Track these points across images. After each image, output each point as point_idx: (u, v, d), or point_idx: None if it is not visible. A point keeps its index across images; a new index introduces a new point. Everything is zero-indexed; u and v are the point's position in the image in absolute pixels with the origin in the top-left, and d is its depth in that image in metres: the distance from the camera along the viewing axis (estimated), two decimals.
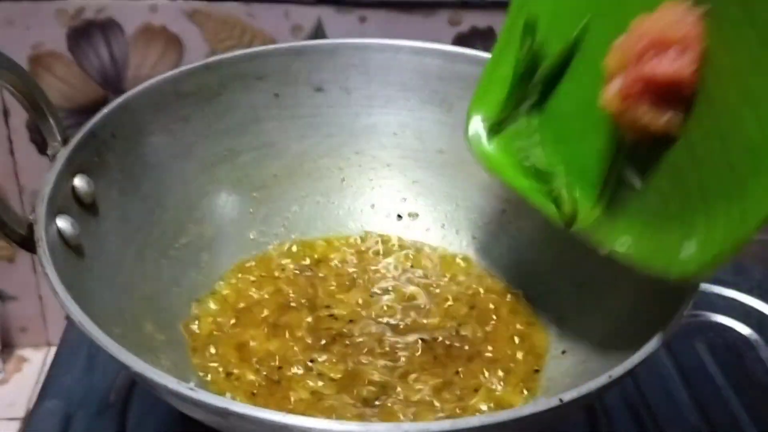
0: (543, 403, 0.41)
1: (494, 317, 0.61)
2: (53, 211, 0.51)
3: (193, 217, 0.63)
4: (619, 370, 0.44)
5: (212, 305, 0.61)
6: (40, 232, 0.48)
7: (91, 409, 0.62)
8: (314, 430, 0.40)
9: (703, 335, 0.71)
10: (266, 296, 0.62)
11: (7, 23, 0.77)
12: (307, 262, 0.66)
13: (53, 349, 0.91)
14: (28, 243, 0.49)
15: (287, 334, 0.59)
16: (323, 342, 0.59)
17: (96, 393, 0.63)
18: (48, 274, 0.46)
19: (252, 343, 0.58)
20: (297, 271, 0.65)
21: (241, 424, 0.41)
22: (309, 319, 0.60)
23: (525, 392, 0.55)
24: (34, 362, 0.91)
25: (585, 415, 0.62)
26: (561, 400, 0.41)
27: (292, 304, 0.62)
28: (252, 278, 0.64)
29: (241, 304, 0.61)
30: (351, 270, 0.66)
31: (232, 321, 0.60)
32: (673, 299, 0.49)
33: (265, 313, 0.61)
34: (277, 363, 0.57)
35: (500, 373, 0.56)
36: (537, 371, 0.57)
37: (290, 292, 0.63)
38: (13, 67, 0.52)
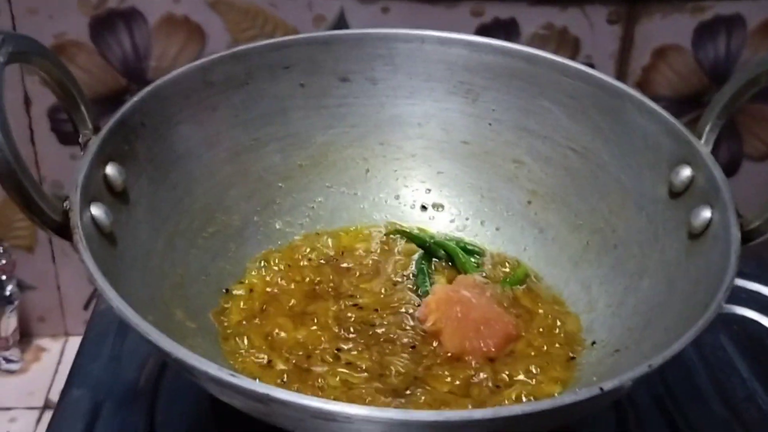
0: (584, 392, 0.41)
1: (522, 306, 0.61)
2: (87, 199, 0.51)
3: (220, 207, 0.63)
4: (658, 360, 0.44)
5: (241, 294, 0.61)
6: (75, 220, 0.48)
7: (120, 397, 0.62)
8: (355, 417, 0.40)
9: (728, 328, 0.71)
10: (293, 286, 0.62)
11: (29, 12, 0.77)
12: (332, 252, 0.66)
13: (71, 339, 0.92)
14: (63, 230, 0.49)
15: (314, 324, 0.59)
16: (349, 331, 0.59)
17: (123, 382, 0.63)
18: (85, 261, 0.46)
19: (280, 333, 0.58)
20: (322, 261, 0.65)
21: (282, 410, 0.41)
22: (334, 308, 0.60)
23: (559, 383, 0.55)
24: (53, 352, 0.91)
25: (613, 408, 0.62)
26: (602, 389, 0.41)
27: (318, 293, 0.62)
28: (279, 268, 0.64)
29: (269, 294, 0.62)
30: (375, 259, 0.65)
31: (261, 310, 0.60)
32: (704, 293, 0.49)
33: (292, 302, 0.61)
34: (305, 352, 0.57)
35: (533, 365, 0.56)
36: (573, 358, 0.57)
37: (316, 281, 0.63)
38: (46, 54, 0.52)
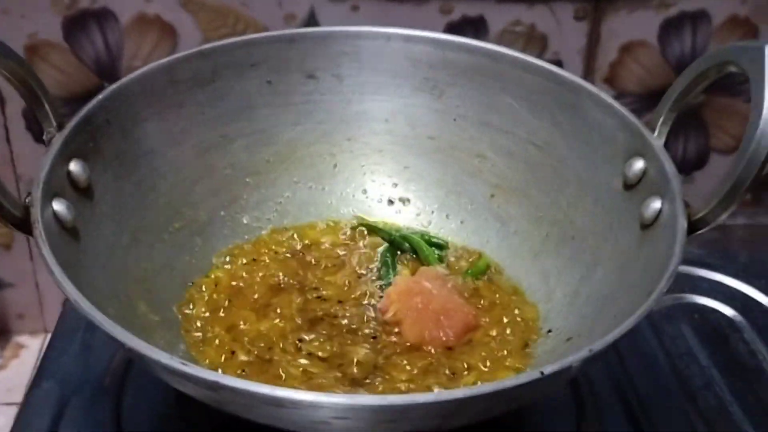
0: (525, 375, 0.43)
1: (483, 296, 0.63)
2: (49, 195, 0.52)
3: (186, 202, 0.64)
4: (599, 345, 0.45)
5: (205, 288, 0.62)
6: (36, 215, 0.50)
7: (87, 393, 0.63)
8: (303, 402, 0.41)
9: (689, 317, 0.72)
10: (258, 279, 0.64)
11: (2, 12, 0.78)
12: (299, 246, 0.67)
13: (50, 336, 0.93)
14: (24, 225, 0.50)
15: (277, 316, 0.60)
16: (312, 323, 0.60)
17: (91, 377, 0.64)
18: (44, 254, 0.48)
19: (243, 325, 0.59)
20: (288, 255, 0.66)
21: (233, 398, 0.42)
22: (298, 301, 0.62)
23: (513, 371, 0.56)
24: (32, 349, 0.92)
25: (572, 396, 0.63)
26: (542, 372, 0.43)
27: (283, 286, 0.63)
28: (244, 261, 0.65)
29: (233, 287, 0.63)
30: (341, 253, 0.67)
31: (225, 303, 0.61)
32: (650, 281, 0.50)
33: (257, 295, 0.62)
34: (267, 343, 0.58)
35: (490, 353, 0.58)
36: (527, 346, 0.58)
37: (281, 274, 0.64)
38: (9, 53, 0.53)
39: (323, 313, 0.61)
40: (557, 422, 0.62)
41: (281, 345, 0.58)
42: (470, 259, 0.66)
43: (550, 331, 0.59)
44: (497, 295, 0.63)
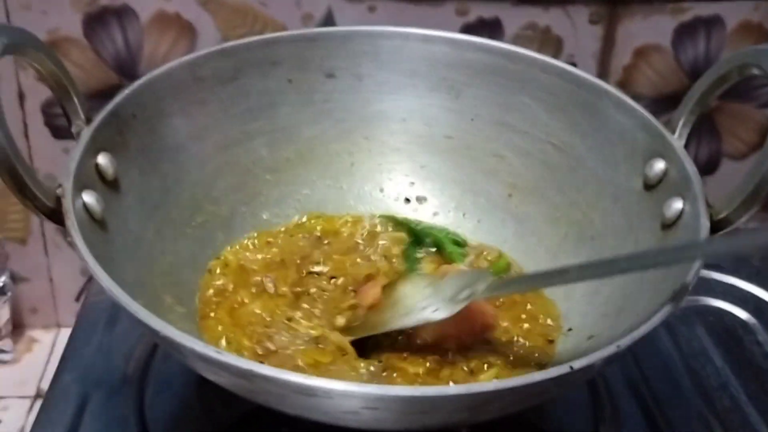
0: (554, 370, 0.43)
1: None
2: (79, 186, 0.52)
3: (209, 197, 0.65)
4: (626, 341, 0.45)
5: (218, 270, 0.63)
6: (68, 205, 0.50)
7: (108, 386, 0.63)
8: (335, 392, 0.41)
9: (704, 319, 0.73)
10: (259, 257, 0.64)
11: (23, 8, 0.79)
12: (318, 233, 0.68)
13: (63, 330, 0.94)
14: (55, 215, 0.51)
15: (271, 292, 0.61)
16: (296, 296, 0.61)
17: (113, 371, 0.65)
18: (77, 243, 0.48)
19: (240, 307, 0.60)
20: (303, 237, 0.67)
21: (266, 387, 0.43)
22: (294, 276, 0.62)
23: (537, 368, 0.57)
24: (44, 343, 0.93)
25: (590, 397, 0.64)
26: (571, 367, 0.43)
27: (284, 261, 0.64)
28: (256, 243, 0.66)
29: (240, 267, 0.64)
30: (359, 241, 0.68)
31: (230, 286, 0.62)
32: (673, 280, 0.51)
33: (257, 275, 0.63)
34: (262, 325, 0.59)
35: (510, 352, 0.58)
36: (551, 342, 0.59)
37: (288, 252, 0.65)
38: (39, 46, 0.54)
39: (316, 288, 0.62)
40: (575, 423, 0.62)
41: (274, 325, 0.58)
42: (489, 258, 0.67)
43: (570, 329, 0.59)
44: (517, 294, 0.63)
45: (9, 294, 0.89)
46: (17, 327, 0.93)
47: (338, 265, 0.64)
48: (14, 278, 0.90)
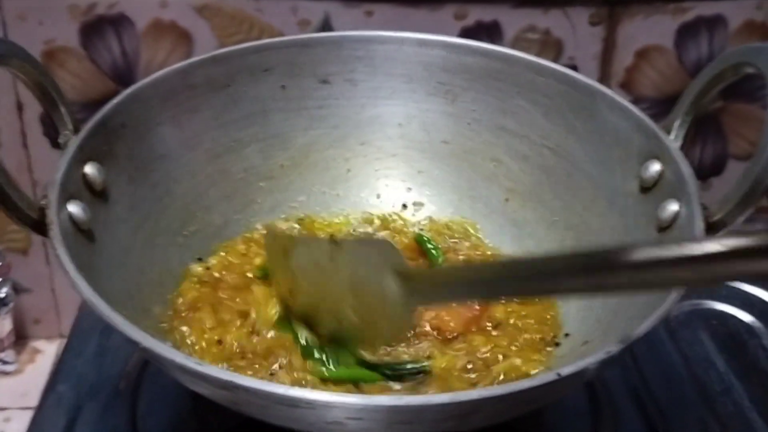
0: (540, 378, 0.42)
1: None
2: (65, 197, 0.52)
3: (200, 206, 0.64)
4: (616, 347, 0.44)
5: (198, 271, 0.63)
6: (52, 216, 0.50)
7: (102, 396, 0.63)
8: (318, 402, 0.41)
9: (707, 323, 0.72)
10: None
11: (19, 18, 0.79)
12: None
13: (66, 341, 0.93)
14: (40, 227, 0.50)
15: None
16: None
17: (106, 381, 0.64)
18: (60, 255, 0.48)
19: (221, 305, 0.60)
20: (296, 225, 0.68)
21: (248, 398, 0.42)
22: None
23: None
24: (48, 353, 0.93)
25: (589, 402, 0.63)
26: (559, 374, 0.42)
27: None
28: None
29: (225, 265, 0.63)
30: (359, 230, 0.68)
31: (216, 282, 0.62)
32: None
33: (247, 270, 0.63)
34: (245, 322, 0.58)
35: (516, 347, 0.58)
36: (556, 344, 0.58)
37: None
38: (26, 57, 0.54)
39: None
40: (574, 428, 0.61)
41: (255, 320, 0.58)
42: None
43: (567, 334, 0.58)
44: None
45: (11, 305, 0.89)
46: (20, 338, 0.93)
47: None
48: (16, 289, 0.91)
